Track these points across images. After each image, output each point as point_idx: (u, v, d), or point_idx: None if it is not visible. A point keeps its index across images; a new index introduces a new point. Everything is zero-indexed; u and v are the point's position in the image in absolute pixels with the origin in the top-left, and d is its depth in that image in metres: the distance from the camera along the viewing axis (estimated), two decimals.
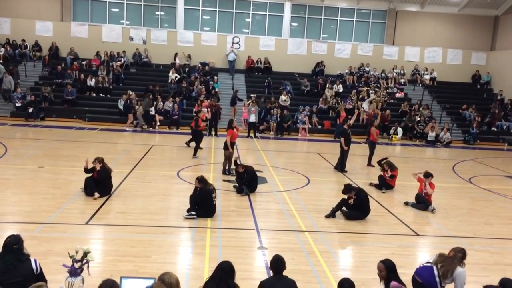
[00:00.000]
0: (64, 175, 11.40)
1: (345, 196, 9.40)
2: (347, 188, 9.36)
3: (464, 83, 28.39)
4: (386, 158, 12.81)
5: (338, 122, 21.30)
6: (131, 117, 20.84)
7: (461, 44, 28.30)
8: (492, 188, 12.94)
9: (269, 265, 5.30)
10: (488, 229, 9.26)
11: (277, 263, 5.09)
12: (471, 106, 25.04)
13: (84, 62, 24.97)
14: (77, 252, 5.22)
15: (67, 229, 7.80)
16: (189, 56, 26.21)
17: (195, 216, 8.58)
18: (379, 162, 12.82)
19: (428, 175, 10.43)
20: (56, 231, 7.68)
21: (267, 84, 24.92)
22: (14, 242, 4.88)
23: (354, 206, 9.24)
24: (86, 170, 9.77)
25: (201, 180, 8.81)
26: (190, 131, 16.26)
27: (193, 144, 15.48)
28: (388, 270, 5.20)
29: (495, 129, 24.16)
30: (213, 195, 8.77)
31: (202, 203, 8.69)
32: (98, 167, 9.68)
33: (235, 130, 12.75)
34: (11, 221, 8.17)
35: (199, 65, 25.91)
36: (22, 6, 25.73)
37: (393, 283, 5.07)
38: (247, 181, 10.68)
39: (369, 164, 14.93)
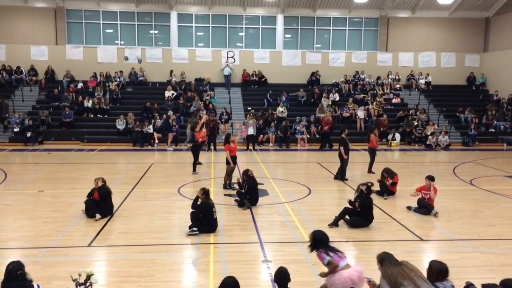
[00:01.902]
0: (64, 198, 11.38)
1: (348, 204, 9.38)
2: (366, 185, 9.36)
3: (459, 85, 28.50)
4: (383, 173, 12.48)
5: (322, 130, 21.56)
6: (171, 137, 20.94)
7: (454, 47, 28.48)
8: (494, 189, 12.92)
9: (273, 278, 5.26)
10: (492, 230, 9.22)
11: (281, 276, 5.06)
12: (467, 108, 25.10)
13: (80, 86, 24.91)
14: (80, 275, 5.18)
15: (69, 252, 7.76)
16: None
17: (197, 232, 8.54)
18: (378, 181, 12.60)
19: (433, 178, 10.35)
20: (58, 255, 7.64)
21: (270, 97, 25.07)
22: (17, 268, 4.86)
23: (357, 213, 9.22)
24: (89, 194, 9.81)
25: (205, 192, 8.83)
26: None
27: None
28: (314, 239, 5.74)
29: (493, 130, 24.21)
30: (213, 209, 8.75)
31: (202, 216, 8.66)
32: (99, 183, 9.68)
33: (232, 144, 12.77)
34: (13, 247, 8.12)
35: (204, 80, 26.12)
36: (16, 31, 25.92)
37: (319, 251, 5.64)
38: (247, 192, 10.66)
39: (370, 171, 14.92)
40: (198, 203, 8.79)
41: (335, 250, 5.73)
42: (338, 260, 5.64)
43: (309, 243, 5.84)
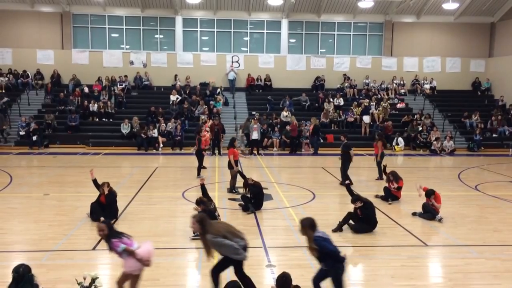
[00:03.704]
0: (69, 201, 11.43)
1: (352, 209, 9.36)
2: (356, 198, 9.34)
3: (464, 90, 28.44)
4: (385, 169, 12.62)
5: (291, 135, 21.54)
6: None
7: (459, 52, 28.43)
8: (499, 194, 12.85)
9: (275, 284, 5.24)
10: (497, 236, 9.17)
11: (282, 281, 5.05)
12: (473, 113, 25.01)
13: (86, 90, 25.04)
14: (85, 278, 5.21)
15: (74, 256, 7.78)
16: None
17: None
18: (384, 171, 12.78)
19: (430, 194, 10.25)
20: (63, 258, 7.67)
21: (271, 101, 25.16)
22: (28, 270, 4.89)
23: (361, 219, 9.19)
24: (95, 184, 9.88)
25: (200, 202, 8.75)
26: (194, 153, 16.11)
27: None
28: (109, 229, 5.74)
29: (496, 135, 24.10)
30: (216, 214, 8.74)
31: None
32: (106, 191, 9.73)
33: (236, 149, 12.84)
34: (18, 250, 8.16)
35: (210, 85, 26.25)
36: (23, 36, 26.12)
37: (113, 240, 5.63)
38: (253, 198, 10.66)
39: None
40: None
41: (124, 235, 5.81)
42: (131, 244, 5.73)
43: (105, 236, 5.77)
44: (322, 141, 22.42)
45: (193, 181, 14.18)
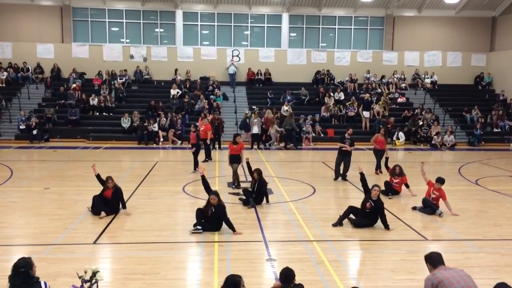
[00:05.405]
0: (70, 195, 11.44)
1: (352, 203, 9.36)
2: (374, 185, 9.26)
3: (465, 85, 28.37)
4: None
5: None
6: (246, 136, 20.57)
7: (460, 47, 28.34)
8: (499, 189, 12.86)
9: (278, 278, 5.26)
10: (497, 231, 9.18)
11: (285, 275, 5.07)
12: (473, 107, 24.98)
13: (76, 83, 24.87)
14: (85, 272, 5.20)
15: (75, 249, 7.80)
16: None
17: (201, 231, 8.55)
18: (385, 164, 12.97)
19: (442, 181, 10.30)
20: (64, 251, 7.68)
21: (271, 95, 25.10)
22: (21, 266, 4.88)
23: (364, 214, 9.14)
24: (99, 179, 9.84)
25: (218, 195, 8.72)
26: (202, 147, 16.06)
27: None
28: None
29: (498, 130, 24.09)
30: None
31: (219, 219, 8.64)
32: (111, 185, 9.73)
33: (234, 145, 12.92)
34: (19, 243, 8.18)
35: (199, 80, 26.13)
36: (23, 29, 26.04)
37: None
38: (255, 192, 10.64)
39: (382, 169, 14.71)
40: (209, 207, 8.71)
41: None
42: None
43: None
44: (298, 136, 21.80)
45: (194, 175, 14.18)
